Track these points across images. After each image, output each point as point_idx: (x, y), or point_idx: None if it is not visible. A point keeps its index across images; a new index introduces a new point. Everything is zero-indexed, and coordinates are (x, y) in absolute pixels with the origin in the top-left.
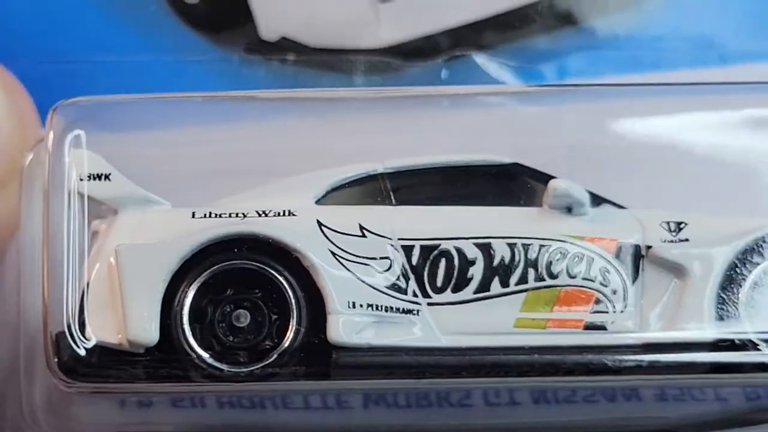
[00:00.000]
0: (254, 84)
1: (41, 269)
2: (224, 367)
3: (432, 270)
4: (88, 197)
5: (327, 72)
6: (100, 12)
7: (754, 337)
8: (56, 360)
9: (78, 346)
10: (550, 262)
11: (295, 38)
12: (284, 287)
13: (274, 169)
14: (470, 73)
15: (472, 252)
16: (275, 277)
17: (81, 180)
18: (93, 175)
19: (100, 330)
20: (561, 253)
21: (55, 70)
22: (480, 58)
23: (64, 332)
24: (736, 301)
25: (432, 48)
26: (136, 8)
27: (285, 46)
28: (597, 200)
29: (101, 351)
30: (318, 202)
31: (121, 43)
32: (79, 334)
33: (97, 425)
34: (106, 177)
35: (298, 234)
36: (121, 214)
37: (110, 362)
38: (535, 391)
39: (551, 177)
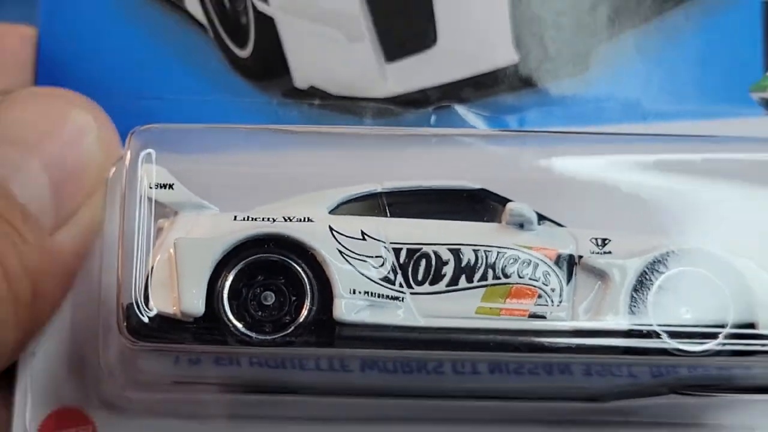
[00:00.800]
0: (288, 120)
1: (117, 257)
2: (253, 335)
3: (414, 267)
4: (155, 202)
5: (344, 114)
6: (173, 61)
7: (657, 329)
8: (126, 325)
9: (143, 315)
10: (505, 265)
11: (321, 87)
12: (302, 276)
13: (299, 185)
14: (452, 120)
15: (446, 255)
16: (295, 267)
17: (150, 188)
18: (159, 184)
19: (160, 303)
20: (513, 258)
21: (133, 104)
22: (460, 109)
23: (132, 304)
24: (644, 300)
25: (424, 99)
26: (200, 59)
27: (313, 93)
28: (542, 219)
29: (160, 319)
30: (330, 212)
31: (186, 85)
32: (144, 306)
33: (157, 376)
34: (170, 186)
35: (314, 236)
36: (180, 215)
37: (167, 328)
38: (491, 364)
39: (509, 200)
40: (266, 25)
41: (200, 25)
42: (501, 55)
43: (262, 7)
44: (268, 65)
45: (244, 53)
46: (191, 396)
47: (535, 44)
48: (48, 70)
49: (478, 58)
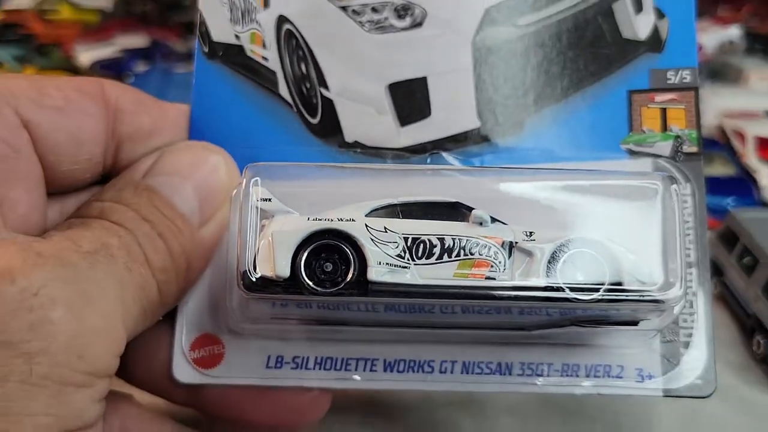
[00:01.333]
0: (342, 161)
1: (237, 245)
2: (319, 288)
3: (416, 249)
4: (260, 210)
5: (374, 158)
6: (271, 126)
7: (562, 285)
8: (242, 283)
9: (252, 277)
10: (471, 248)
11: (361, 142)
12: (349, 253)
13: (348, 200)
14: (440, 161)
15: (435, 241)
16: (344, 248)
17: (257, 201)
18: (262, 198)
19: (263, 270)
20: (476, 243)
21: (246, 152)
22: (445, 155)
23: (246, 271)
24: (555, 269)
25: (422, 149)
26: (288, 125)
27: (356, 145)
28: (494, 220)
29: (263, 279)
30: (366, 215)
31: (279, 140)
32: (253, 271)
33: (261, 315)
34: (269, 200)
35: (355, 229)
36: (275, 217)
37: (266, 285)
38: (463, 307)
39: (473, 208)
40: (328, 103)
41: (288, 103)
42: (469, 122)
43: (325, 93)
44: (329, 128)
45: (314, 121)
46: (282, 327)
47: (490, 115)
48: (197, 132)
49: (455, 124)
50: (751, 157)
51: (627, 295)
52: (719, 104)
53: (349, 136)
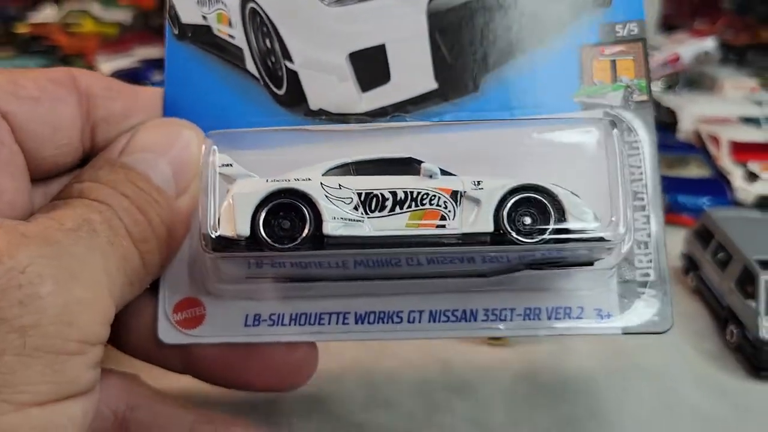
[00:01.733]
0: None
1: (205, 207)
2: (278, 245)
3: (369, 203)
4: (222, 175)
5: (338, 122)
6: (239, 99)
7: (509, 230)
8: (205, 244)
9: (214, 237)
10: (422, 199)
11: (325, 109)
12: (305, 211)
13: (310, 161)
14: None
15: (387, 194)
16: (301, 206)
17: (219, 167)
18: (223, 164)
19: (225, 230)
20: (426, 194)
21: (218, 125)
22: (407, 117)
23: (208, 232)
24: (502, 215)
25: (384, 112)
26: (255, 97)
27: (320, 112)
28: (444, 172)
29: (225, 240)
30: (323, 174)
31: (247, 112)
32: (215, 231)
33: (234, 275)
34: (230, 165)
35: (311, 188)
36: (237, 181)
37: (229, 244)
38: (428, 258)
39: (422, 161)
40: (292, 75)
41: (255, 77)
42: (427, 84)
43: (290, 65)
44: (295, 98)
45: (281, 92)
46: (258, 287)
47: (446, 77)
48: (171, 111)
49: (414, 87)
50: (725, 160)
51: (572, 236)
52: (696, 111)
53: (314, 104)
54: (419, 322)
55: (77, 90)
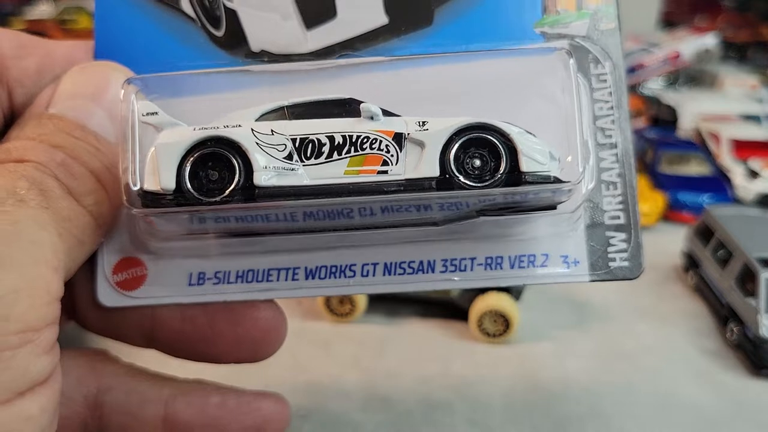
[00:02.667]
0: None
1: (127, 158)
2: (205, 198)
3: (305, 149)
4: (146, 123)
5: (281, 63)
6: (174, 41)
7: (455, 173)
8: (127, 200)
9: (137, 192)
10: (362, 143)
11: (267, 50)
12: (234, 161)
13: (247, 106)
14: None
15: (324, 140)
16: (231, 155)
17: (143, 115)
18: (147, 113)
19: (148, 184)
20: (366, 138)
21: (151, 69)
22: (355, 55)
23: (129, 185)
24: (449, 158)
25: (331, 51)
26: (192, 39)
27: (262, 53)
28: (386, 113)
29: (150, 194)
30: (256, 120)
31: (184, 55)
32: (138, 186)
33: (175, 233)
34: (155, 113)
35: (240, 135)
36: (163, 131)
37: (155, 199)
38: (354, 207)
39: (363, 102)
40: (231, 14)
41: (191, 18)
42: (377, 19)
43: (228, 4)
44: (234, 39)
45: (219, 33)
46: (201, 243)
47: (398, 10)
48: (100, 58)
49: (363, 23)
50: (725, 158)
51: (525, 177)
52: (696, 108)
53: (255, 45)
54: (373, 275)
55: None
